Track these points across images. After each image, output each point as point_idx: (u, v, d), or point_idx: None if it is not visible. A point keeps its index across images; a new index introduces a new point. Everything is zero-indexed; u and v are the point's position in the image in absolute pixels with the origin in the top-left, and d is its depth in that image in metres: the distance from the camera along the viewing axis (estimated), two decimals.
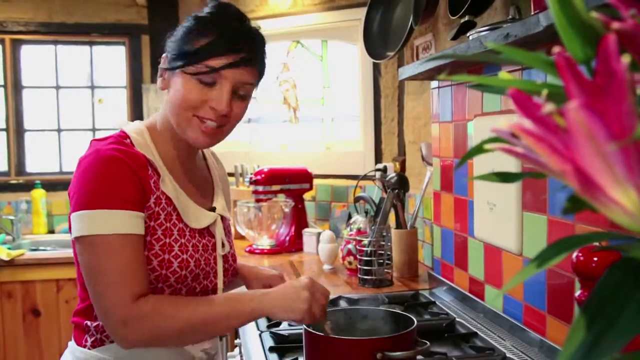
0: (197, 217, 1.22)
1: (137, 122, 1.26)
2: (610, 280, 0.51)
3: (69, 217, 1.12)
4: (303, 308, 1.11)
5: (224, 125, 1.18)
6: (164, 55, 1.20)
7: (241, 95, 1.18)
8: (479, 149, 0.58)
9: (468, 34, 1.46)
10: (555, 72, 0.49)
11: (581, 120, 0.41)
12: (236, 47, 1.14)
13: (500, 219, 1.50)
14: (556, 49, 0.44)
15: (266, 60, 1.23)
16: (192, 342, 1.17)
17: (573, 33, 0.51)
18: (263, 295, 1.13)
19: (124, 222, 1.08)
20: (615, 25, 0.44)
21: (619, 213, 0.44)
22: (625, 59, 0.40)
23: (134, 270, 1.08)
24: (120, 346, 1.09)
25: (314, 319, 1.13)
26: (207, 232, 1.24)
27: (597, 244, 0.82)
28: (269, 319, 1.61)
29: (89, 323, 1.18)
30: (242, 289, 1.36)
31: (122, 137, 1.17)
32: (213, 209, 1.29)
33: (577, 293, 0.92)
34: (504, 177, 0.66)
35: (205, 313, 1.10)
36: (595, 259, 0.89)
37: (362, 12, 2.44)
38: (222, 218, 1.30)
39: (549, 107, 0.43)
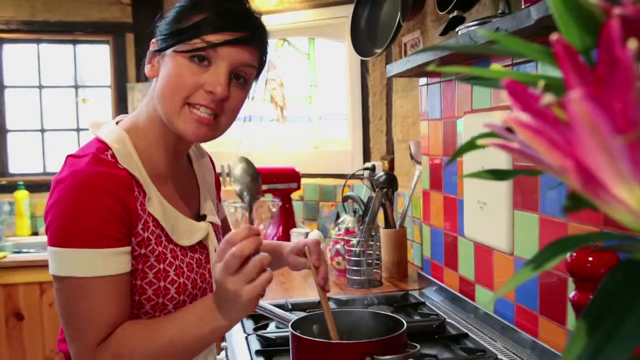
0: (188, 233, 1.12)
1: (112, 124, 1.11)
2: (612, 284, 0.48)
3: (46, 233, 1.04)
4: (244, 302, 0.93)
5: (220, 115, 1.06)
6: (152, 40, 1.10)
7: (240, 81, 1.07)
8: (471, 145, 0.55)
9: (457, 29, 1.43)
10: (552, 62, 0.46)
11: (584, 111, 0.37)
12: (236, 23, 1.05)
13: (491, 218, 1.48)
14: (554, 36, 0.41)
15: (268, 48, 1.13)
16: None
17: (571, 21, 0.47)
18: (211, 314, 0.98)
19: (105, 262, 0.97)
20: (617, 10, 0.40)
21: (622, 212, 0.41)
22: (632, 45, 0.37)
23: (110, 313, 0.98)
24: None
25: (263, 287, 0.95)
26: (199, 244, 1.15)
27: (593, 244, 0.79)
28: (255, 322, 1.58)
29: None
30: None
31: (102, 150, 1.03)
32: (203, 217, 1.20)
33: (572, 294, 0.89)
34: (497, 175, 0.63)
35: (165, 344, 0.98)
36: (590, 259, 0.86)
37: (349, 9, 2.41)
38: (213, 225, 1.21)
39: (548, 98, 0.40)
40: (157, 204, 1.07)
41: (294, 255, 1.30)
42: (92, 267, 0.97)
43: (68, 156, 1.04)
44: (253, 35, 1.07)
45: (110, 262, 0.98)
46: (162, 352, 0.98)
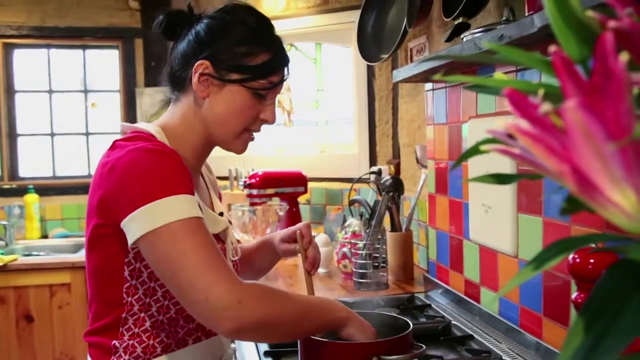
0: (212, 222, 1.17)
1: (143, 123, 1.18)
2: (608, 282, 0.50)
3: (91, 226, 1.06)
4: (365, 337, 1.12)
5: None
6: (202, 61, 1.13)
7: None
8: (474, 150, 0.58)
9: (462, 36, 1.45)
10: (551, 71, 0.49)
11: (579, 119, 0.40)
12: (286, 62, 1.20)
13: (496, 221, 1.50)
14: (552, 48, 0.44)
15: None
16: (290, 338, 1.15)
17: (569, 32, 0.50)
18: (349, 313, 1.13)
19: (192, 205, 1.00)
20: (612, 23, 0.43)
21: (616, 214, 0.43)
22: (623, 57, 0.40)
23: (217, 248, 1.00)
24: (224, 333, 0.97)
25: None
26: (217, 238, 1.20)
27: (593, 245, 0.81)
28: None
29: (117, 343, 1.09)
30: None
31: (149, 135, 1.10)
32: (220, 214, 1.26)
33: (574, 295, 0.91)
34: (500, 179, 0.66)
35: (309, 304, 1.07)
36: (592, 260, 0.88)
37: (355, 15, 2.43)
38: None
39: (545, 107, 0.43)
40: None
41: (285, 243, 1.36)
42: (186, 210, 0.99)
43: (116, 141, 1.09)
44: (288, 67, 1.22)
45: (196, 206, 1.02)
46: (306, 307, 1.06)
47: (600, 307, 0.48)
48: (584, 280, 0.89)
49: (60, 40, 3.63)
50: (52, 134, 3.68)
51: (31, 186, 3.42)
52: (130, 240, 1.00)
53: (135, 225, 0.98)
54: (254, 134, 1.22)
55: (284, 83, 1.22)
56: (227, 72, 1.14)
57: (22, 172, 3.63)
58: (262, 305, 0.96)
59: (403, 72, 1.81)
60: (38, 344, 2.93)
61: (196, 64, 1.13)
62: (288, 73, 1.22)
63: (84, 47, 3.69)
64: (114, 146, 1.08)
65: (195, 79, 1.14)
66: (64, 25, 3.55)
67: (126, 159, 1.01)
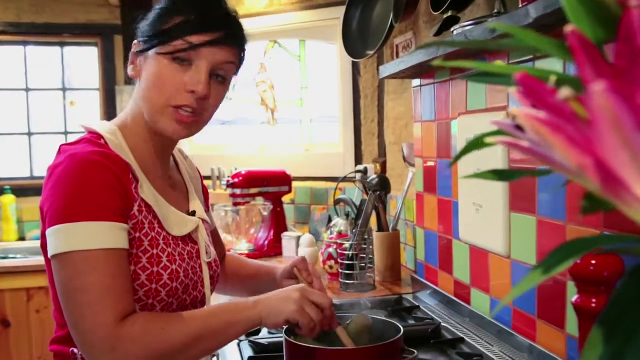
0: (178, 223, 1.13)
1: (103, 121, 1.14)
2: (627, 290, 0.46)
3: (42, 232, 1.03)
4: (292, 309, 1.03)
5: (201, 112, 1.10)
6: (134, 41, 1.12)
7: (220, 78, 1.11)
8: (477, 143, 0.53)
9: (452, 29, 1.41)
10: (566, 56, 0.44)
11: (607, 105, 0.35)
12: (215, 23, 1.08)
13: (487, 220, 1.46)
14: (569, 28, 0.39)
15: (246, 46, 1.17)
16: (204, 355, 1.06)
17: (583, 13, 0.45)
18: (256, 302, 1.05)
19: (108, 235, 0.97)
20: (634, 1, 0.38)
21: None
22: None
23: (119, 287, 0.97)
24: None
25: (310, 322, 1.04)
26: (189, 238, 1.16)
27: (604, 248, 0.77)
28: None
29: (75, 350, 1.07)
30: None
31: (96, 137, 1.07)
32: (192, 213, 1.21)
33: (574, 298, 0.87)
34: (501, 175, 0.61)
35: (199, 328, 1.00)
36: (593, 262, 0.84)
37: (340, 11, 2.39)
38: (203, 221, 1.23)
39: (566, 92, 0.38)
40: (148, 192, 1.09)
41: (286, 279, 1.31)
42: (97, 239, 0.97)
43: (61, 145, 1.07)
44: (231, 34, 1.11)
45: (114, 235, 0.99)
46: (195, 333, 1.00)
47: (620, 316, 0.44)
48: (585, 282, 0.85)
49: (37, 37, 3.53)
50: (30, 133, 3.59)
51: (7, 186, 3.33)
52: (48, 252, 1.00)
53: (50, 242, 0.99)
54: (186, 110, 1.07)
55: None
56: (146, 42, 1.09)
57: None
58: (138, 347, 0.96)
59: (390, 68, 1.77)
60: (14, 349, 2.85)
61: (132, 45, 1.12)
62: (221, 33, 1.08)
63: (61, 44, 3.60)
64: (59, 150, 1.06)
65: (130, 61, 1.12)
66: (40, 21, 3.45)
67: (60, 168, 1.00)
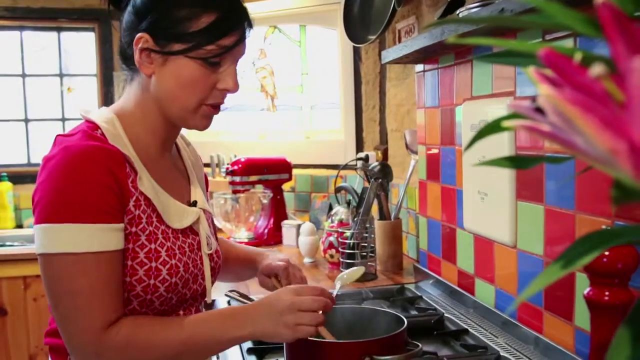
0: (179, 215, 1.09)
1: (103, 108, 1.10)
2: None
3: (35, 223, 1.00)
4: (288, 335, 0.98)
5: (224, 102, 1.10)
6: (141, 34, 1.02)
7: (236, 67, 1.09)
8: (494, 127, 0.49)
9: (458, 12, 1.36)
10: (596, 32, 0.40)
11: None
12: (240, 19, 1.05)
13: (492, 209, 1.42)
14: (600, 0, 0.35)
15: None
16: None
17: None
18: (245, 318, 0.99)
19: (97, 237, 0.94)
20: None
21: None
22: None
23: (107, 292, 0.95)
24: None
25: (309, 332, 0.99)
26: (190, 230, 1.12)
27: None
28: None
29: None
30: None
31: (92, 128, 1.02)
32: (194, 203, 1.16)
33: (587, 290, 0.84)
34: (516, 162, 0.57)
35: (185, 341, 0.97)
36: (607, 254, 0.80)
37: None
38: (204, 211, 1.19)
39: (598, 69, 0.34)
40: (147, 184, 1.05)
41: (263, 275, 1.28)
42: (88, 242, 0.94)
43: (57, 136, 1.03)
44: (250, 25, 1.08)
45: (106, 237, 0.95)
46: (179, 347, 0.97)
47: None
48: (598, 274, 0.81)
49: (34, 22, 3.47)
50: (26, 120, 3.55)
51: (4, 174, 3.29)
52: (35, 249, 0.97)
53: (37, 239, 0.96)
54: (218, 107, 1.09)
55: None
56: (168, 43, 1.02)
57: None
58: (122, 356, 0.95)
59: (393, 53, 1.73)
60: (12, 338, 2.82)
61: (135, 38, 1.02)
62: (249, 29, 1.07)
63: (58, 29, 3.54)
64: (55, 141, 1.03)
65: (137, 56, 1.03)
66: (37, 6, 3.40)
67: (53, 161, 0.96)
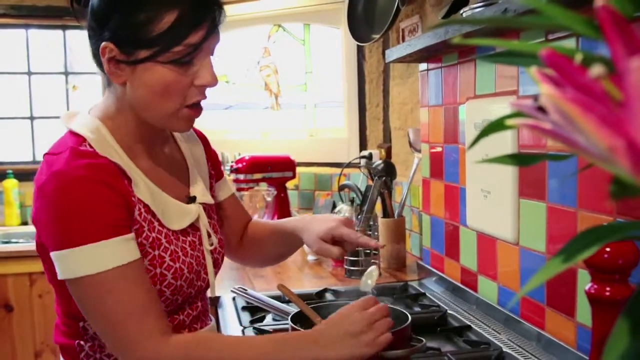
0: (179, 216, 1.08)
1: (86, 115, 1.05)
2: None
3: (37, 241, 1.01)
4: (371, 351, 0.96)
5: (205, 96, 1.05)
6: (105, 44, 0.97)
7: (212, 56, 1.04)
8: (497, 125, 0.50)
9: (461, 11, 1.38)
10: (595, 33, 0.41)
11: None
12: (206, 10, 0.98)
13: (495, 207, 1.43)
14: (599, 2, 0.36)
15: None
16: None
17: None
18: (315, 343, 0.96)
19: (114, 253, 0.93)
20: None
21: None
22: None
23: (136, 300, 0.94)
24: None
25: (387, 341, 0.99)
26: (191, 226, 1.12)
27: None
28: (252, 314, 1.53)
29: (82, 343, 1.06)
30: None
31: (78, 142, 0.98)
32: (193, 199, 1.15)
33: (588, 286, 0.85)
34: (520, 160, 0.59)
35: (251, 355, 0.95)
36: (608, 249, 0.82)
37: None
38: (205, 204, 1.18)
39: (598, 70, 0.36)
40: (144, 189, 1.03)
41: (323, 242, 1.20)
42: (105, 260, 0.93)
43: (45, 155, 1.00)
44: (219, 12, 1.02)
45: (122, 250, 0.94)
46: None
47: None
48: (599, 270, 0.83)
49: (39, 20, 3.49)
50: (32, 118, 3.57)
51: (10, 171, 3.31)
52: (58, 274, 0.96)
53: (58, 266, 0.95)
54: (200, 104, 1.04)
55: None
56: (133, 50, 0.96)
57: (1, 156, 3.51)
58: None
59: (397, 52, 1.74)
60: (18, 334, 2.84)
61: (101, 48, 0.97)
62: (220, 15, 1.00)
63: (64, 28, 3.56)
64: (44, 160, 0.99)
65: (105, 66, 0.99)
66: (42, 4, 3.42)
67: (49, 188, 0.93)
